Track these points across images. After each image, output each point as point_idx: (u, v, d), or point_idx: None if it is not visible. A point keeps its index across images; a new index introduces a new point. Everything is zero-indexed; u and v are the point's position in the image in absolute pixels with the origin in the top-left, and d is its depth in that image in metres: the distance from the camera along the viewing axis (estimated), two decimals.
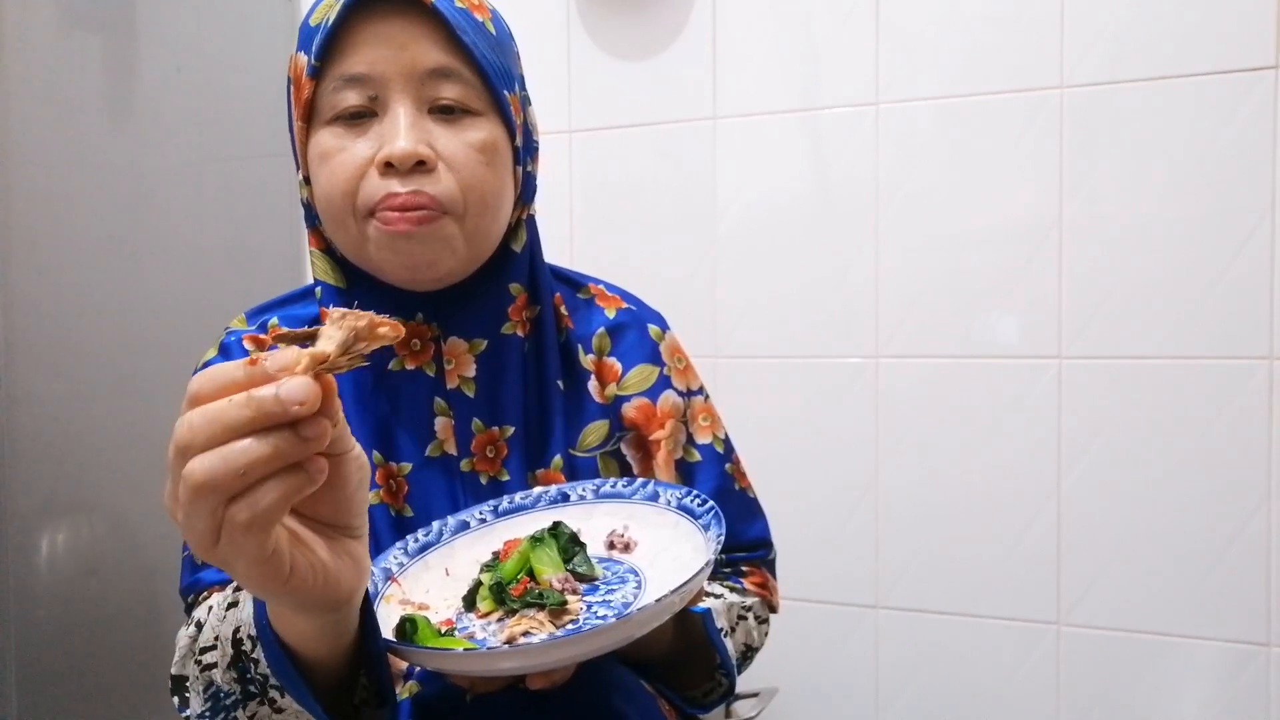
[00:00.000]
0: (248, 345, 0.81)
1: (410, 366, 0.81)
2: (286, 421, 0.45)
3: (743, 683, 0.94)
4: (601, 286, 0.92)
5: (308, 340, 0.47)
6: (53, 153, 1.22)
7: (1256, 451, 1.23)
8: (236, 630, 0.61)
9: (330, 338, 0.46)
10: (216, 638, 0.64)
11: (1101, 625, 1.31)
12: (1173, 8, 1.24)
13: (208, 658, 0.65)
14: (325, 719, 0.60)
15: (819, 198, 1.42)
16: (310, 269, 0.84)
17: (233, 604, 0.64)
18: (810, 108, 1.41)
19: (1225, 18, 1.22)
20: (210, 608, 0.69)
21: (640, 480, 0.77)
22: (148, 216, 1.35)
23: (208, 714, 0.65)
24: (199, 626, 0.68)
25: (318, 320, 0.82)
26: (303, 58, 0.77)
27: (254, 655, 0.59)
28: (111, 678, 1.27)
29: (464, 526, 0.76)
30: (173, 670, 0.69)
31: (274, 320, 0.84)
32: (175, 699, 0.68)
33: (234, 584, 0.68)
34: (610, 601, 0.66)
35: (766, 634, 0.90)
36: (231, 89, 1.49)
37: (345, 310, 0.47)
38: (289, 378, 0.45)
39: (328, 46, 0.75)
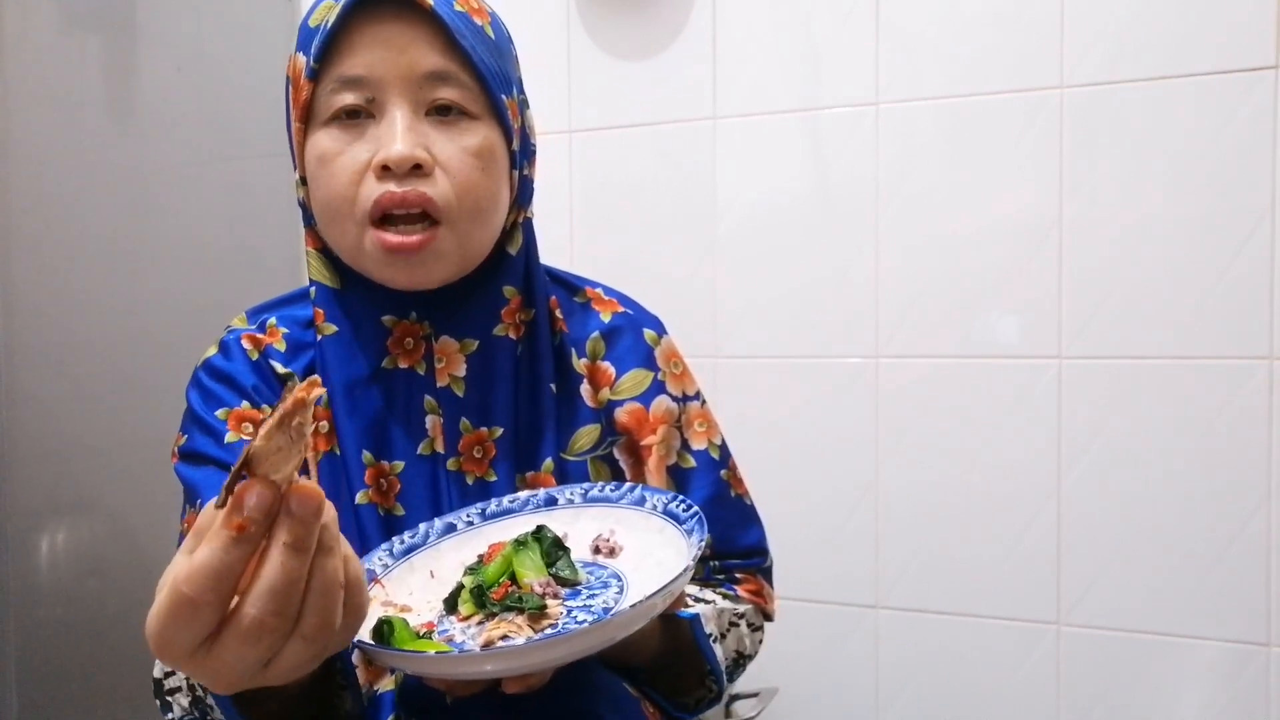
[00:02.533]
0: (245, 344, 0.81)
1: (402, 365, 0.81)
2: (264, 525, 0.45)
3: (743, 683, 0.94)
4: (599, 290, 0.92)
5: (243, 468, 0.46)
6: (53, 153, 1.22)
7: (1256, 451, 1.23)
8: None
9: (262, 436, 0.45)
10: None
11: (1101, 625, 1.31)
12: (1173, 8, 1.24)
13: (170, 682, 0.66)
14: None
15: (819, 198, 1.42)
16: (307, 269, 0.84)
17: None
18: (810, 108, 1.41)
19: (1225, 18, 1.21)
20: None
21: (628, 485, 0.76)
22: (148, 216, 1.35)
23: None
24: None
25: (312, 322, 0.82)
26: (301, 58, 0.77)
27: (208, 701, 0.60)
28: (111, 678, 1.27)
29: (451, 529, 0.76)
30: (155, 673, 0.69)
31: (272, 320, 0.84)
32: (158, 702, 0.68)
33: None
34: (591, 606, 0.65)
35: (760, 641, 0.89)
36: (231, 89, 1.49)
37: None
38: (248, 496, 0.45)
39: (327, 48, 0.75)
